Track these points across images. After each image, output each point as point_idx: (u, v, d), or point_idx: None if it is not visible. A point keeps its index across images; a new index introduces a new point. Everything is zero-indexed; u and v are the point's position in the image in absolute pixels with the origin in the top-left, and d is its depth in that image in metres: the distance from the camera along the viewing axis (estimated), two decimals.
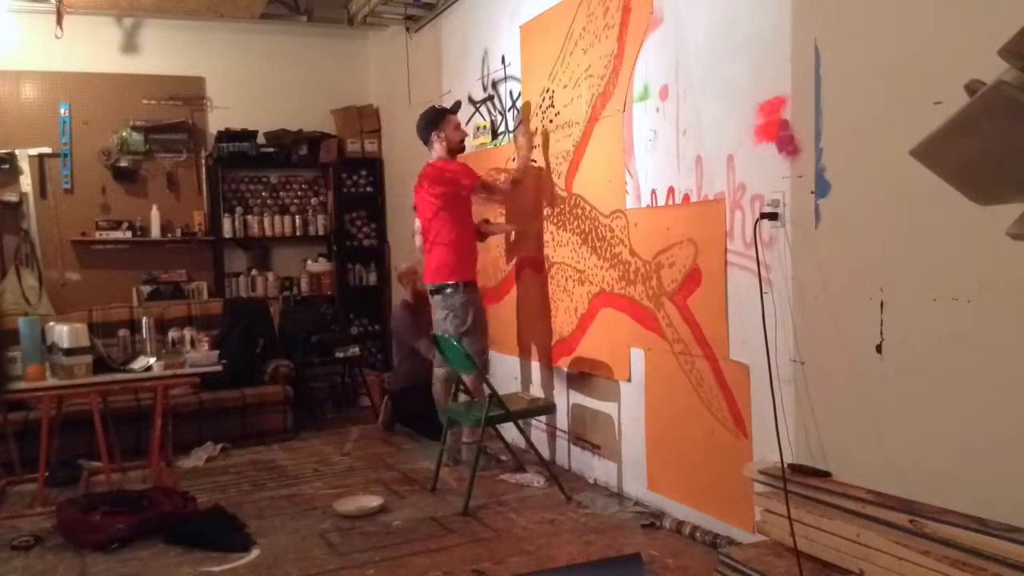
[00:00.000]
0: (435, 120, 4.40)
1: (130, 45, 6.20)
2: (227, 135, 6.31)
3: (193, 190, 6.38)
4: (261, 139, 6.46)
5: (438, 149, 4.38)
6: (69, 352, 3.86)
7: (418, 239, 4.67)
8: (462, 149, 4.51)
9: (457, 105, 4.67)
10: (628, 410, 3.81)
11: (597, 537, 3.40)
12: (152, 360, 4.16)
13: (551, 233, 4.38)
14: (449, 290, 4.29)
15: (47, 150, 5.97)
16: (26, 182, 5.90)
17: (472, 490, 3.81)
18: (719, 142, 3.14)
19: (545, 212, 4.41)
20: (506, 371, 4.93)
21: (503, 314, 4.88)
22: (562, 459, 4.43)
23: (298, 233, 6.65)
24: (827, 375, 2.71)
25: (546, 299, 4.46)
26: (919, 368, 2.38)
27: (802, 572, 2.45)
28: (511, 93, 4.76)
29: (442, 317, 4.32)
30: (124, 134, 6.12)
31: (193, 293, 6.21)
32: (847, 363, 2.61)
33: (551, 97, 4.31)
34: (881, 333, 2.49)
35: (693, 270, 3.29)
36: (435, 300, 4.38)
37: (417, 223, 4.60)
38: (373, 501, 3.88)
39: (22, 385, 3.85)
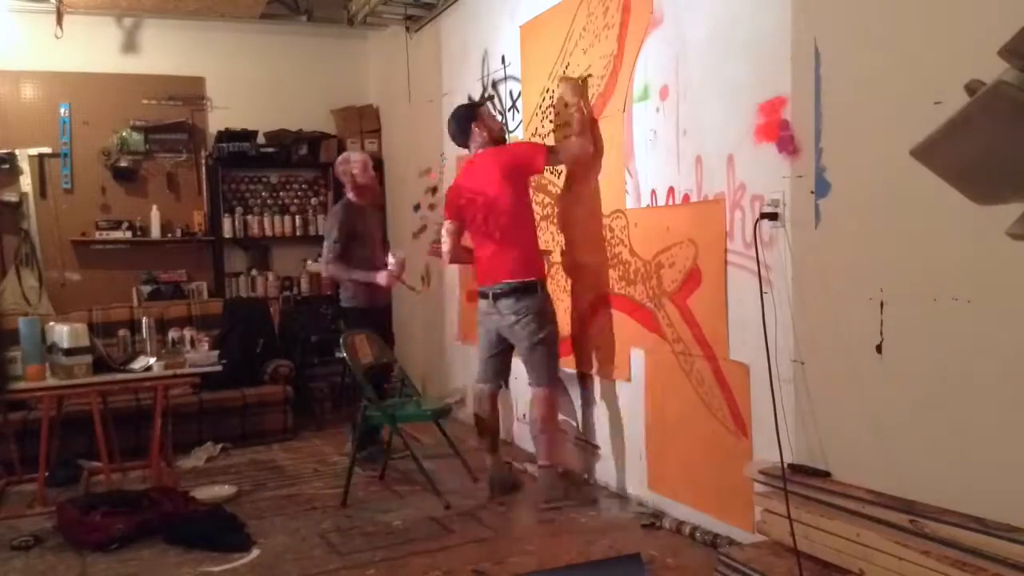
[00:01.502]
0: (472, 114, 4.14)
1: (130, 45, 6.20)
2: (227, 135, 6.30)
3: (193, 190, 6.38)
4: (261, 139, 6.46)
5: (480, 141, 4.04)
6: (69, 352, 3.86)
7: (448, 243, 4.08)
8: (503, 139, 4.23)
9: (484, 99, 4.52)
10: (628, 410, 3.80)
11: (597, 537, 3.40)
12: (152, 360, 4.16)
13: (551, 233, 4.38)
14: (535, 289, 3.85)
15: (47, 150, 5.97)
16: (26, 182, 5.90)
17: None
18: (719, 142, 3.14)
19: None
20: None
21: None
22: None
23: (298, 233, 6.65)
24: (827, 375, 2.71)
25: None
26: (919, 368, 2.38)
27: (802, 572, 2.45)
28: (511, 93, 4.76)
29: (512, 322, 3.84)
30: (124, 134, 6.12)
31: (193, 293, 6.21)
32: (847, 363, 2.61)
33: (551, 97, 4.31)
34: (881, 333, 2.49)
35: (693, 270, 3.29)
36: (503, 304, 3.84)
37: (448, 224, 4.07)
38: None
39: (22, 385, 3.86)
